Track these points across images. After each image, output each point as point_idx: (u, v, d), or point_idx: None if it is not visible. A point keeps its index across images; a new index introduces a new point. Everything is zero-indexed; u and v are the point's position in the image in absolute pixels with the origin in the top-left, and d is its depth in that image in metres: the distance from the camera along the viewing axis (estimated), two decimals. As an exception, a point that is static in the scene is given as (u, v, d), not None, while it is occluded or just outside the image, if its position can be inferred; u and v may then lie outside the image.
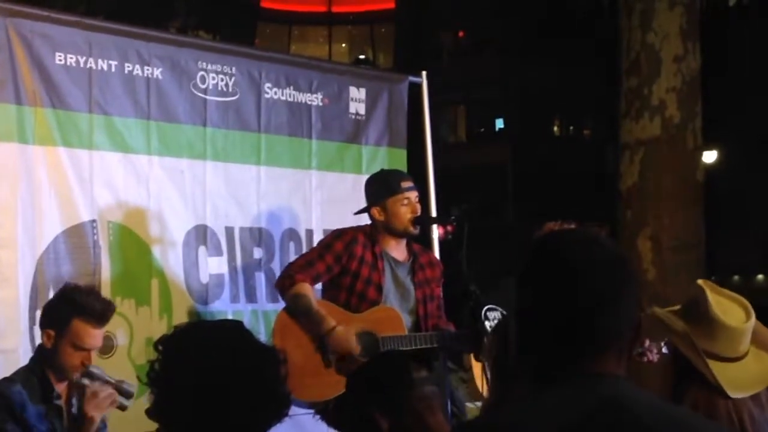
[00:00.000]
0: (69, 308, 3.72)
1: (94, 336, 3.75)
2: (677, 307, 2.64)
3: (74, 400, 3.69)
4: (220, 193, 5.37)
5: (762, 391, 2.51)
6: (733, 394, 2.46)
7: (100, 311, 3.76)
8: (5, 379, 3.75)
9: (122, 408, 3.73)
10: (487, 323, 4.51)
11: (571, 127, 30.90)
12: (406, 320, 4.85)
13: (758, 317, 2.68)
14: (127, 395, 3.71)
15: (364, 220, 5.04)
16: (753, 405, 2.49)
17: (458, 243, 4.83)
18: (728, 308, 2.55)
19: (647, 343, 4.30)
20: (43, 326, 3.79)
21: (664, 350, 4.19)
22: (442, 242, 6.09)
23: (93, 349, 3.77)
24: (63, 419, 3.73)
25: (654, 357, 4.34)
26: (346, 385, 3.67)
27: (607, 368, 1.81)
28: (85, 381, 3.66)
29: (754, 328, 2.56)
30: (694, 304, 2.56)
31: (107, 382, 3.68)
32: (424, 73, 6.34)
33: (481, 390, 4.62)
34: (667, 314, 2.59)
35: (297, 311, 4.74)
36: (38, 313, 4.45)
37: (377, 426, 3.22)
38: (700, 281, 2.62)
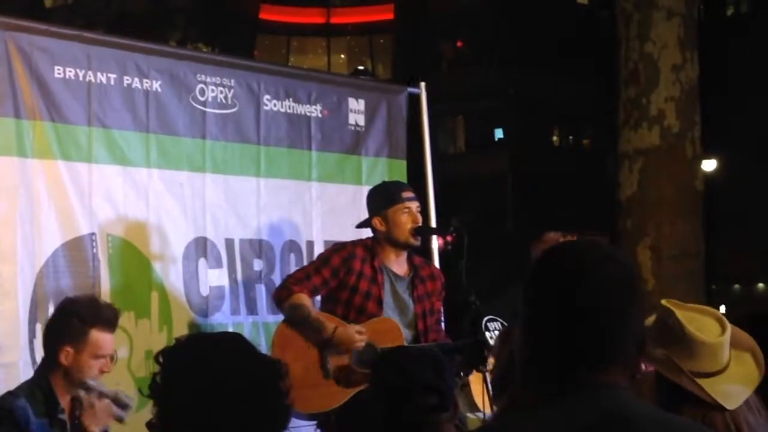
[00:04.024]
0: (83, 320, 3.70)
1: (111, 342, 3.78)
2: (649, 322, 2.60)
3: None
4: (219, 205, 5.37)
5: (751, 397, 2.50)
6: (730, 405, 2.45)
7: (113, 317, 3.79)
8: (9, 392, 3.74)
9: (119, 420, 3.71)
10: (487, 334, 4.50)
11: (571, 137, 30.92)
12: (405, 334, 4.84)
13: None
14: (124, 407, 3.70)
15: (366, 233, 5.04)
16: (748, 412, 2.48)
17: (458, 254, 4.83)
18: (702, 324, 2.51)
19: None
20: (56, 345, 3.71)
21: None
22: (441, 253, 6.09)
23: (108, 355, 3.78)
24: None
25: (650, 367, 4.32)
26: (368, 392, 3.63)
27: (611, 380, 1.80)
28: (82, 393, 3.64)
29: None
30: (666, 327, 2.51)
31: (104, 394, 3.67)
32: (422, 83, 6.35)
33: (479, 400, 4.61)
34: None
35: (296, 320, 4.74)
36: (38, 327, 4.46)
37: None
38: (663, 301, 2.57)
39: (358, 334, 4.65)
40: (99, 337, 3.70)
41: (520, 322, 1.89)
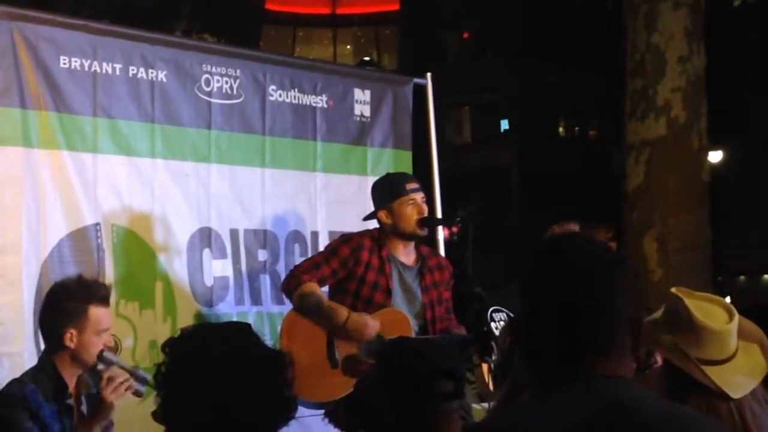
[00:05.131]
0: (79, 300, 3.72)
1: (108, 316, 3.81)
2: (659, 314, 2.62)
3: (92, 388, 3.74)
4: (224, 195, 5.37)
5: (758, 388, 2.51)
6: (735, 395, 2.46)
7: (105, 292, 3.82)
8: (16, 380, 3.75)
9: (138, 394, 3.74)
10: (492, 324, 4.50)
11: (577, 128, 30.89)
12: (413, 324, 4.85)
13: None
14: (143, 381, 3.72)
15: (373, 224, 5.03)
16: (753, 401, 2.49)
17: (463, 244, 4.82)
18: (710, 311, 2.54)
19: None
20: (59, 329, 3.72)
21: None
22: (447, 244, 6.08)
23: (107, 329, 3.80)
24: (73, 419, 3.72)
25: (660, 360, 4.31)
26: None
27: (610, 370, 1.82)
28: (101, 366, 3.67)
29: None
30: (675, 315, 2.55)
31: (122, 368, 3.70)
32: (428, 74, 6.34)
33: (487, 391, 4.61)
34: (650, 327, 2.57)
35: (307, 309, 4.74)
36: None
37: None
38: (673, 289, 2.61)
39: (371, 323, 4.65)
40: (97, 312, 3.74)
41: (520, 317, 1.92)
